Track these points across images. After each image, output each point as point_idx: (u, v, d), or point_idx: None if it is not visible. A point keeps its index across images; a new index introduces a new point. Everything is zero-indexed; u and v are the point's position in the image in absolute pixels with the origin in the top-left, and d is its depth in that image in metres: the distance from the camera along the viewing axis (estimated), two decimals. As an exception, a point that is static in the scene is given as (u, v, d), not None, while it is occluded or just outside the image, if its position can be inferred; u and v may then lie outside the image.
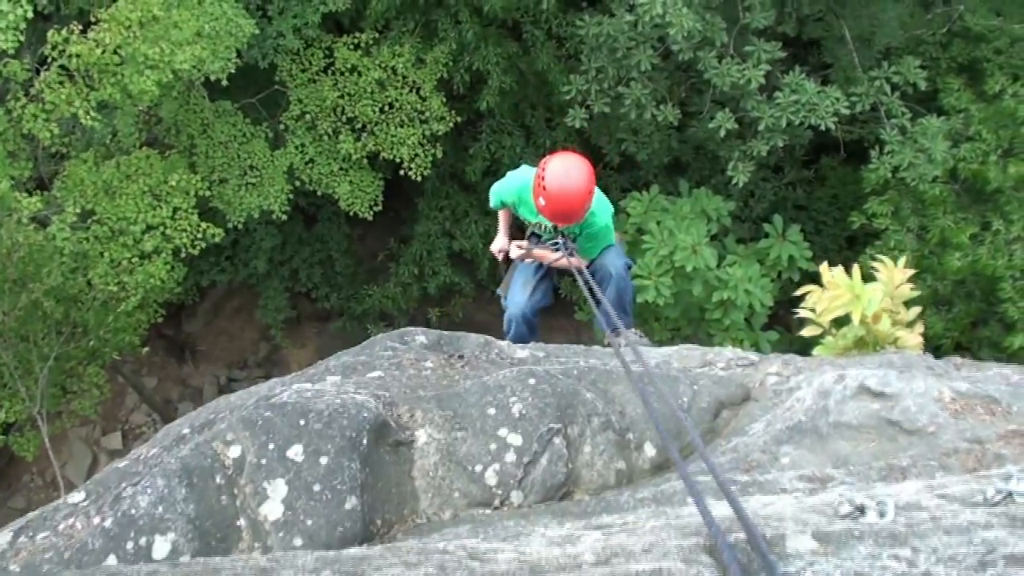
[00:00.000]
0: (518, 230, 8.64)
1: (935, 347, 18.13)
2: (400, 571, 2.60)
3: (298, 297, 26.79)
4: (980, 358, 18.22)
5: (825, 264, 6.38)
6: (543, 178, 7.18)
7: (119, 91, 16.37)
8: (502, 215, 8.55)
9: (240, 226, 20.49)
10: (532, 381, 4.83)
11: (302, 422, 4.30)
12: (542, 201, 7.23)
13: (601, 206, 7.87)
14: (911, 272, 6.14)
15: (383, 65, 20.48)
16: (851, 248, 22.26)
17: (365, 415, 4.39)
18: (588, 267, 7.83)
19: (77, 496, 4.67)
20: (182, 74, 16.92)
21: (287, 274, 25.93)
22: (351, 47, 20.70)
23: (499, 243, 8.49)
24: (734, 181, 17.67)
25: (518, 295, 8.25)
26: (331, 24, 21.64)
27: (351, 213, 21.47)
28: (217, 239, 18.74)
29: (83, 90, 16.52)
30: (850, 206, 21.05)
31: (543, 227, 8.01)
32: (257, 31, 18.50)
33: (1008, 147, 17.52)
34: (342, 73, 20.63)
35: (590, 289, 6.80)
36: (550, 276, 8.38)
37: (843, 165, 22.19)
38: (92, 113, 16.38)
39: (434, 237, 24.43)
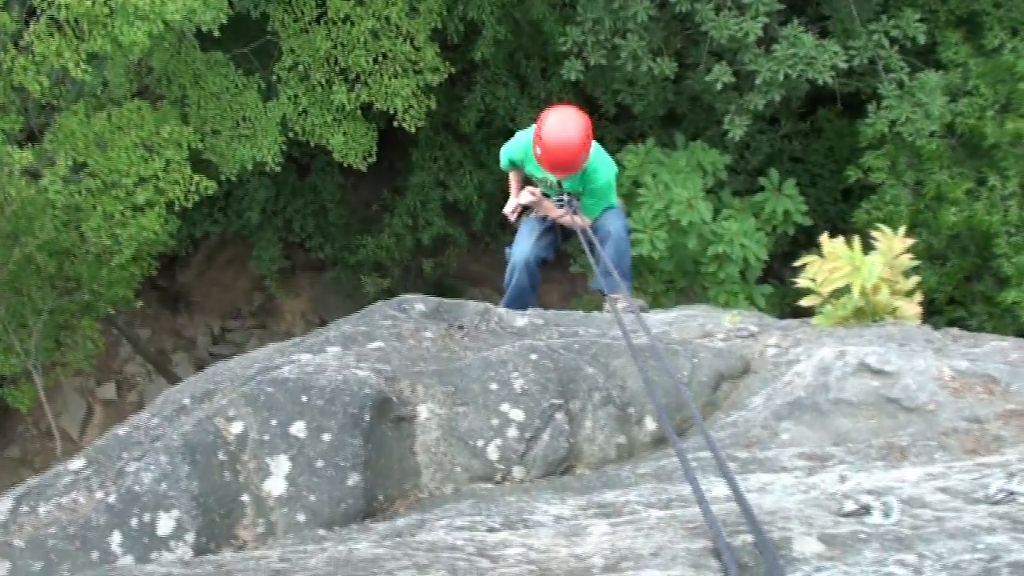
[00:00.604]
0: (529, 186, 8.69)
1: (929, 300, 18.16)
2: (412, 574, 2.60)
3: (292, 247, 26.78)
4: (973, 312, 18.38)
5: (826, 234, 6.35)
6: (541, 128, 7.50)
7: (109, 42, 16.25)
8: (513, 177, 8.70)
9: (233, 178, 20.40)
10: (534, 356, 4.83)
11: (304, 398, 4.30)
12: (539, 151, 7.53)
13: (604, 164, 8.12)
14: (910, 242, 6.12)
15: (376, 14, 20.24)
16: (846, 201, 22.27)
17: (367, 391, 4.38)
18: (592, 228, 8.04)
19: (77, 463, 4.66)
20: (173, 25, 16.77)
21: (281, 224, 25.91)
22: (345, -4, 20.49)
23: (512, 203, 8.59)
24: (730, 135, 17.65)
25: (523, 243, 8.37)
26: (324, -27, 21.48)
27: (345, 164, 21.36)
28: (210, 192, 18.70)
29: (73, 42, 16.43)
30: (846, 159, 21.05)
31: (549, 183, 8.13)
32: (250, -20, 18.38)
33: (1006, 102, 17.50)
34: (335, 23, 20.39)
35: (592, 248, 7.07)
36: (555, 232, 8.51)
37: (840, 117, 22.17)
38: (82, 65, 16.28)
39: (428, 188, 24.40)
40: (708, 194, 18.45)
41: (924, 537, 2.79)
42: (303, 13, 20.51)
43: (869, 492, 3.13)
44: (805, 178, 22.29)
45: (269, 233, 25.50)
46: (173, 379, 25.16)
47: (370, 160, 21.24)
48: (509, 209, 8.68)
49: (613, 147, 22.39)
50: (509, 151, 8.51)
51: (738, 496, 2.77)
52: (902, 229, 6.31)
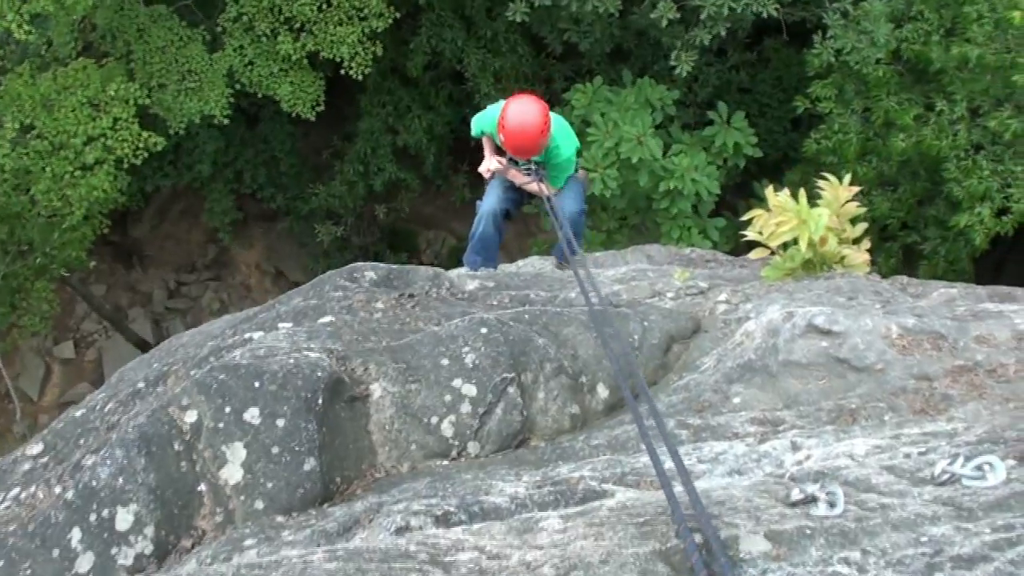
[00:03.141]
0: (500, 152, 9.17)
1: (882, 227, 18.28)
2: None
3: (244, 198, 26.64)
4: (927, 237, 18.50)
5: (771, 188, 6.40)
6: (503, 118, 8.04)
7: (52, 2, 16.05)
8: (486, 142, 9.12)
9: (182, 131, 20.23)
10: (484, 331, 4.85)
11: (257, 384, 4.31)
12: (502, 137, 8.07)
13: (566, 139, 8.66)
14: (855, 189, 6.17)
15: (321, -39, 20.08)
16: (796, 130, 22.33)
17: (319, 374, 4.40)
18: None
19: (36, 447, 4.69)
20: (114, -20, 16.60)
21: (232, 176, 25.77)
22: (286, -57, 20.25)
23: (486, 164, 9.04)
24: (678, 70, 17.62)
25: (491, 197, 8.90)
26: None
27: (293, 114, 21.21)
28: (160, 148, 18.55)
29: (15, 3, 16.19)
30: (794, 88, 21.08)
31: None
32: (188, -70, 18.17)
33: (951, 26, 17.51)
34: (278, -29, 20.18)
35: (555, 214, 7.37)
36: (520, 192, 9.04)
37: (786, 46, 22.14)
38: (25, 26, 16.07)
39: (378, 133, 24.28)
40: (657, 130, 18.47)
41: (868, 530, 2.84)
42: (246, -38, 20.27)
43: (815, 480, 3.18)
44: (754, 108, 22.32)
45: (220, 185, 25.35)
46: (130, 335, 25.10)
47: (319, 109, 21.12)
48: (483, 169, 9.11)
49: (561, 85, 22.41)
50: (480, 123, 8.99)
51: (693, 500, 2.80)
52: (847, 178, 6.34)
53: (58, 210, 17.51)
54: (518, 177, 8.72)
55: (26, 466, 4.57)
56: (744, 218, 6.41)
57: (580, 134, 17.00)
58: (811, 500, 3.05)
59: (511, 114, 8.04)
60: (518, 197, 9.15)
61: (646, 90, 18.85)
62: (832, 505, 3.00)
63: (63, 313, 24.61)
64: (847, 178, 6.28)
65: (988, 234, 16.81)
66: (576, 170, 8.99)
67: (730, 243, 19.08)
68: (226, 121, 20.48)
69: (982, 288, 6.06)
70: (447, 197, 26.94)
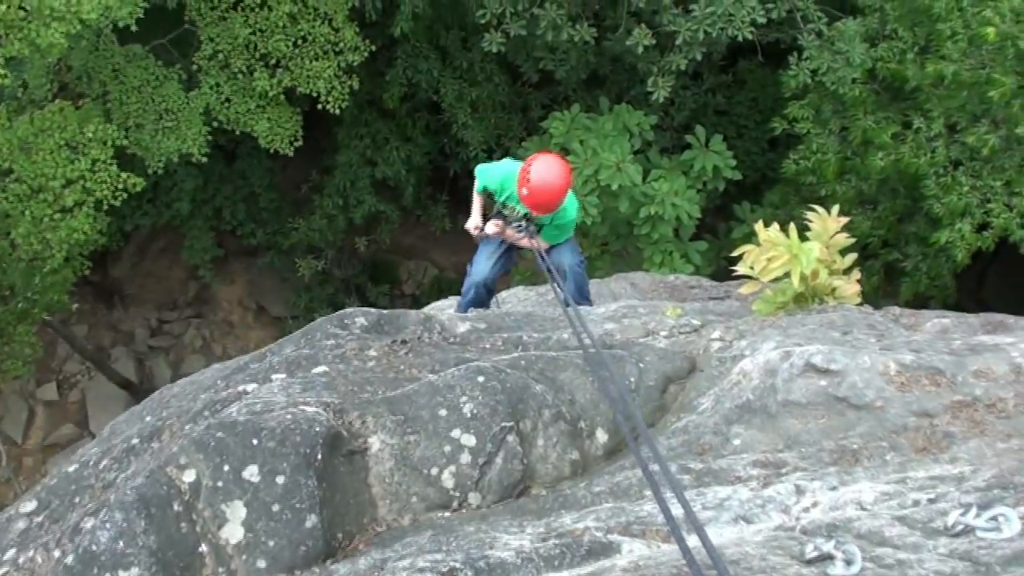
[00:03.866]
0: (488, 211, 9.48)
1: (863, 245, 18.31)
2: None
3: (224, 235, 26.57)
4: (908, 254, 18.53)
5: (760, 223, 6.40)
6: (528, 172, 8.21)
7: (27, 46, 15.98)
8: (477, 198, 9.39)
9: (160, 170, 20.17)
10: (481, 379, 4.83)
11: (255, 441, 4.28)
12: (525, 192, 8.23)
13: (572, 201, 8.92)
14: (844, 220, 6.18)
15: (294, -2, 20.10)
16: (773, 150, 22.43)
17: (317, 429, 4.37)
18: (548, 253, 8.86)
19: (29, 505, 4.64)
20: (90, 23, 16.54)
21: (211, 212, 25.70)
22: (260, -20, 20.27)
23: (474, 221, 9.34)
24: (654, 96, 17.67)
25: (482, 265, 9.26)
26: (238, -42, 21.26)
27: (271, 150, 21.18)
28: (139, 188, 18.47)
29: (-10, 47, 16.14)
30: (770, 108, 21.17)
31: (513, 210, 8.90)
32: (162, -31, 18.14)
33: (925, 44, 17.56)
34: (253, 8, 20.17)
35: (548, 269, 7.69)
36: (511, 250, 9.42)
37: (761, 68, 22.24)
38: (1, 70, 16.02)
39: (356, 166, 24.26)
40: (636, 155, 18.51)
41: (888, 590, 2.82)
42: (219, 1, 20.27)
43: (828, 534, 3.15)
44: (731, 130, 22.42)
45: (200, 222, 25.30)
46: (114, 375, 24.98)
47: (296, 144, 21.06)
48: (471, 226, 9.37)
49: (537, 113, 22.52)
50: (486, 179, 9.17)
51: (714, 560, 2.77)
52: (835, 209, 6.34)
53: (39, 253, 17.42)
54: (512, 237, 8.95)
55: (20, 524, 4.52)
56: (735, 253, 6.40)
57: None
58: (827, 557, 3.02)
59: (539, 171, 8.17)
60: (509, 257, 9.44)
61: (624, 116, 18.89)
62: (849, 563, 2.97)
63: (45, 355, 24.44)
64: (835, 209, 6.29)
65: (969, 250, 16.84)
66: (572, 232, 9.29)
67: (712, 266, 19.15)
68: (204, 159, 20.38)
69: (974, 317, 6.07)
70: (427, 227, 26.95)
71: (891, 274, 19.29)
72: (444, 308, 10.18)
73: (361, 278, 26.70)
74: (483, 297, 9.20)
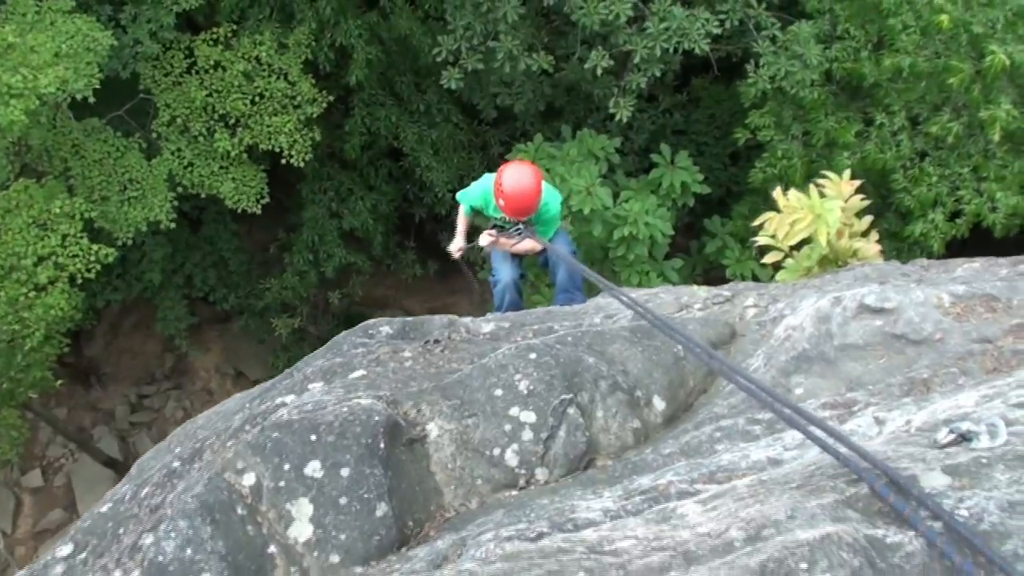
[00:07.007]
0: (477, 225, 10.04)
1: (837, 246, 18.34)
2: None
3: (196, 303, 26.45)
4: (881, 252, 18.60)
5: (779, 188, 6.38)
6: (500, 185, 8.85)
7: (-13, 126, 15.93)
8: (462, 220, 10.05)
9: (129, 241, 20.05)
10: (533, 356, 4.78)
11: (313, 437, 4.21)
12: (502, 202, 8.88)
13: (552, 195, 9.58)
14: (858, 182, 6.18)
15: (246, 56, 20.12)
16: (735, 164, 22.55)
17: (376, 419, 4.31)
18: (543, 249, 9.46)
19: (64, 549, 4.52)
20: (47, 98, 16.49)
21: (182, 281, 25.61)
22: (211, 43, 20.29)
23: (457, 243, 10.07)
24: (617, 117, 17.76)
25: (504, 269, 9.76)
26: (186, 24, 21.27)
27: (238, 210, 21.07)
28: (111, 259, 18.34)
29: (-51, 133, 16.06)
30: (728, 123, 21.33)
31: (504, 218, 9.35)
32: (114, 42, 18.08)
33: (877, 40, 17.70)
34: (206, 71, 20.21)
35: (557, 254, 8.60)
36: (517, 256, 9.88)
37: (715, 84, 22.43)
38: (-38, 153, 15.95)
39: (323, 220, 24.21)
40: (604, 179, 18.54)
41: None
42: (172, 67, 20.27)
43: (963, 418, 3.11)
44: (691, 148, 22.47)
45: (171, 292, 25.14)
46: (98, 455, 24.79)
47: (264, 201, 20.99)
48: (455, 248, 10.08)
49: (497, 150, 22.61)
50: (470, 199, 9.85)
51: (861, 453, 2.72)
52: (847, 173, 6.34)
53: (17, 333, 17.27)
54: (509, 243, 9.37)
55: (59, 569, 4.41)
56: (755, 223, 6.38)
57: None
58: (963, 438, 2.97)
59: (508, 180, 8.80)
60: (518, 263, 9.94)
61: (587, 141, 18.97)
62: (993, 435, 2.92)
63: (27, 441, 24.26)
64: (847, 172, 6.29)
65: (944, 239, 16.95)
66: (559, 223, 9.85)
67: (689, 283, 19.12)
68: (172, 225, 20.28)
69: (1003, 259, 6.06)
70: (397, 276, 26.93)
71: (866, 272, 19.32)
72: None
73: (337, 332, 26.53)
74: (516, 299, 9.67)
